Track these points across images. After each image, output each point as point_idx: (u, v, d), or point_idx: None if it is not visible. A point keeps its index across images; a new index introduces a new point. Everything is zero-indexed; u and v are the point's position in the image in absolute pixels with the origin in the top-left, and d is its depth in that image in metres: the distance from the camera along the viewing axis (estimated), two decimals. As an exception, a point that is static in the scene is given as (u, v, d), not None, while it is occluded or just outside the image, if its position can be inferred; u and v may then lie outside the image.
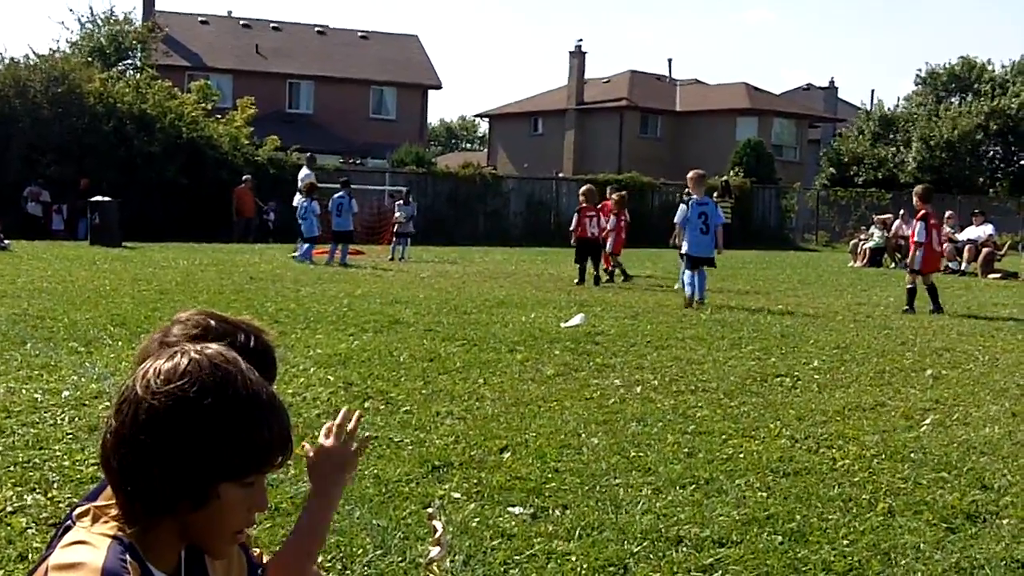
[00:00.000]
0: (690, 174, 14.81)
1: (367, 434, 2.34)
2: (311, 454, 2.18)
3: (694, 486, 4.94)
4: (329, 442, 2.19)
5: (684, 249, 14.10)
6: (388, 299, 12.82)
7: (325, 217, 20.69)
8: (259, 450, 1.67)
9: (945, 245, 24.40)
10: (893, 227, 26.33)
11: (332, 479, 2.17)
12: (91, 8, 39.40)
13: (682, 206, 14.41)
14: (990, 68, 51.03)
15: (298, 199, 20.78)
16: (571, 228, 17.44)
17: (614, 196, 18.84)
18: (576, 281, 16.64)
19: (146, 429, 1.61)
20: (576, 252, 17.13)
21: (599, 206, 17.91)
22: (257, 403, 1.67)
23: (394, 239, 22.59)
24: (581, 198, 17.60)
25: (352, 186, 21.92)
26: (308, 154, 25.15)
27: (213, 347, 1.72)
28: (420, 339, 9.44)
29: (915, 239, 14.24)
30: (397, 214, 22.86)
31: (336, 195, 20.51)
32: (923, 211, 14.15)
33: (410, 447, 5.52)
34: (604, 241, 17.56)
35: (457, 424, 6.11)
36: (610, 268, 17.77)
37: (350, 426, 2.21)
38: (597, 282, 16.68)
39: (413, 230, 23.10)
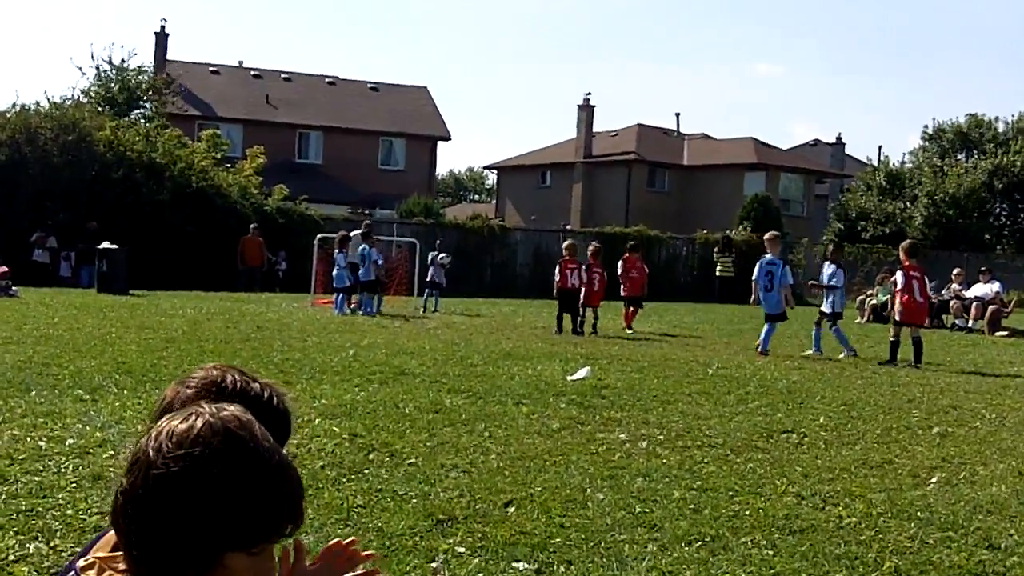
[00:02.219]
0: (767, 235, 16.08)
1: (371, 568, 2.12)
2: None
3: (699, 543, 4.90)
4: (327, 563, 2.02)
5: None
6: (394, 350, 12.81)
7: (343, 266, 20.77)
8: (267, 520, 1.64)
9: (952, 302, 24.45)
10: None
11: None
12: (110, 57, 39.38)
13: (757, 265, 15.53)
14: (995, 125, 51.30)
15: (338, 254, 20.73)
16: (555, 279, 17.93)
17: (590, 248, 19.30)
18: (554, 331, 17.03)
19: (154, 492, 1.60)
20: (558, 303, 17.66)
21: (623, 259, 19.16)
22: (268, 472, 1.65)
23: (426, 290, 22.46)
24: (565, 252, 18.10)
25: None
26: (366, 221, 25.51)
27: (230, 410, 1.70)
28: (426, 391, 9.42)
29: (896, 289, 14.71)
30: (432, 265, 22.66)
31: (361, 247, 20.62)
32: (907, 264, 14.67)
33: (414, 500, 5.50)
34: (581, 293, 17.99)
35: (462, 477, 6.08)
36: (582, 319, 17.76)
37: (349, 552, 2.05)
38: (579, 333, 17.15)
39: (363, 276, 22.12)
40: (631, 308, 18.78)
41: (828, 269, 16.06)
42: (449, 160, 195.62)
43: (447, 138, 52.83)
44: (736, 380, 11.23)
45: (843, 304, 15.94)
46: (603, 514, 5.36)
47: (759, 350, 14.58)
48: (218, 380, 2.01)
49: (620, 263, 19.34)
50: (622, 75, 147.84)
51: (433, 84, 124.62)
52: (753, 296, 15.62)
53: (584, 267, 18.06)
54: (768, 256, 15.32)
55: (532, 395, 9.39)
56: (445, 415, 8.18)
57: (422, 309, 21.51)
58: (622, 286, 19.08)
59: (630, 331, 17.98)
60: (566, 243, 18.61)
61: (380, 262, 20.87)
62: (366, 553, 2.10)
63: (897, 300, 14.54)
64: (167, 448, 1.61)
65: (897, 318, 14.47)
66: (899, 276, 14.63)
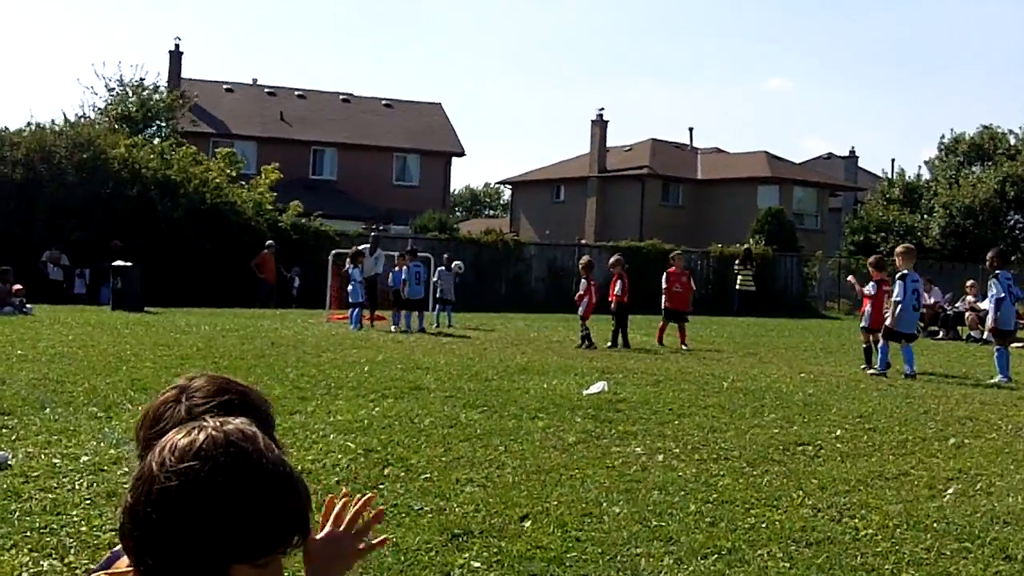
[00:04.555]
0: (900, 249, 14.94)
1: (381, 537, 2.15)
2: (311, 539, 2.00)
3: (716, 556, 4.87)
4: (333, 529, 2.06)
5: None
6: (409, 365, 12.81)
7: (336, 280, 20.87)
8: (273, 532, 1.63)
9: (968, 314, 24.34)
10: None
11: (330, 570, 2.02)
12: (120, 75, 39.52)
13: (905, 281, 14.33)
14: (1007, 138, 51.20)
15: (353, 269, 20.87)
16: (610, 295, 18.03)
17: (581, 261, 19.22)
18: (608, 344, 17.24)
19: (159, 507, 1.59)
20: (616, 317, 17.70)
21: (668, 271, 19.04)
22: (272, 484, 1.64)
23: (437, 306, 22.48)
24: (612, 267, 18.31)
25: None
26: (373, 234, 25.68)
27: (234, 423, 1.69)
28: (441, 405, 9.42)
29: (867, 296, 14.68)
30: (434, 279, 22.70)
31: (412, 264, 20.77)
32: (877, 278, 14.62)
33: (430, 515, 5.48)
34: (577, 306, 18.07)
35: (477, 492, 6.06)
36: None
37: (352, 513, 2.07)
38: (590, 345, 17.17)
39: (450, 297, 22.50)
40: (673, 323, 18.29)
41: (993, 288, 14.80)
42: (465, 175, 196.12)
43: (461, 154, 52.97)
44: (752, 393, 11.18)
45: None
46: (619, 527, 5.34)
47: (907, 373, 13.72)
48: (216, 391, 2.00)
49: (664, 276, 19.04)
50: (635, 90, 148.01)
51: (447, 100, 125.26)
52: (890, 319, 14.33)
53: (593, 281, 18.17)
54: (911, 272, 14.33)
55: (548, 409, 9.37)
56: (460, 429, 8.16)
57: (435, 324, 21.52)
58: (665, 299, 18.68)
59: (685, 347, 17.48)
60: (613, 259, 18.66)
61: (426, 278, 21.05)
62: (373, 514, 2.10)
63: (866, 308, 14.66)
64: (170, 463, 1.61)
65: (865, 323, 14.71)
66: (870, 284, 14.65)
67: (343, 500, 2.11)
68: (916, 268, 14.85)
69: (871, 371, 14.10)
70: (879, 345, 14.33)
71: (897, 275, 14.27)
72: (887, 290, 14.50)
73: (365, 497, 2.12)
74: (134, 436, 1.96)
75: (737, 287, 34.14)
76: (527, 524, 5.37)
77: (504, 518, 5.47)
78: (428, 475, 6.46)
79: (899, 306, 14.00)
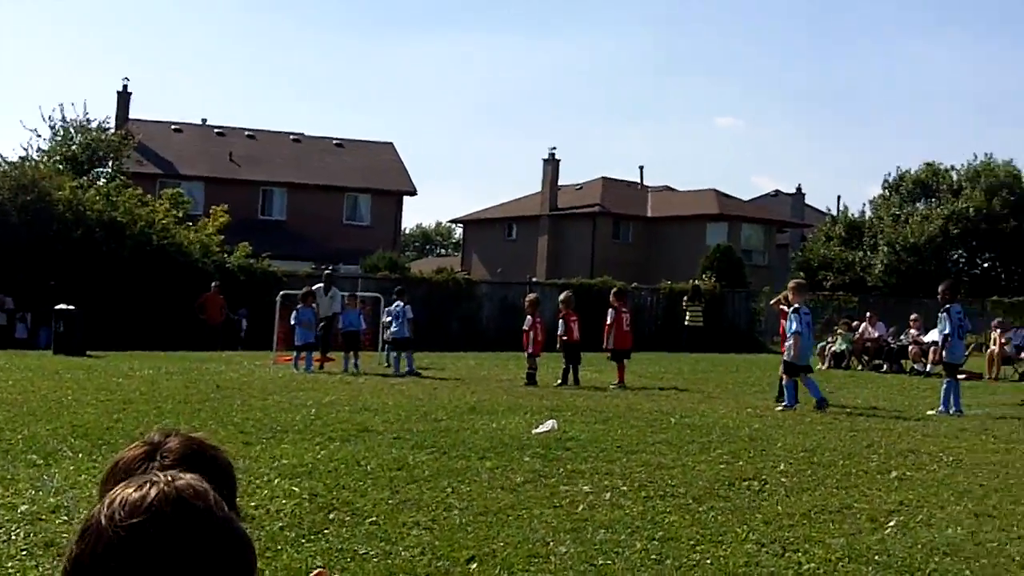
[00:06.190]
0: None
1: None
2: None
3: (661, 595, 4.89)
4: None
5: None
6: (357, 407, 12.73)
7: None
8: None
9: (911, 347, 24.73)
10: (860, 329, 26.57)
11: None
12: (63, 115, 39.00)
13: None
14: (950, 174, 52.23)
15: (303, 309, 20.83)
16: (560, 333, 18.07)
17: (528, 299, 19.12)
18: (558, 383, 17.31)
19: (105, 560, 1.58)
20: (565, 356, 17.86)
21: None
22: (220, 542, 1.64)
23: (386, 345, 22.25)
24: (562, 305, 18.45)
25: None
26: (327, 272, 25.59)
27: (185, 479, 1.68)
28: (388, 447, 9.37)
29: (793, 331, 14.25)
30: (385, 319, 22.34)
31: (394, 304, 20.81)
32: (796, 304, 14.39)
33: (375, 559, 5.45)
34: (525, 344, 18.14)
35: (424, 534, 6.03)
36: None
37: None
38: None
39: (396, 334, 21.07)
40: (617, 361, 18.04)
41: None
42: (417, 214, 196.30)
43: (413, 193, 52.97)
44: (699, 429, 11.24)
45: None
46: (565, 568, 5.34)
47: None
48: (180, 450, 2.00)
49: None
50: (586, 129, 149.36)
51: (399, 140, 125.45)
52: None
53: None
54: (802, 305, 14.46)
55: (496, 449, 9.36)
56: (408, 472, 8.12)
57: (386, 364, 21.36)
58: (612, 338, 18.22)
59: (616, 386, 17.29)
60: (562, 296, 18.86)
61: (411, 317, 20.94)
62: None
63: (793, 340, 14.21)
64: (119, 516, 1.60)
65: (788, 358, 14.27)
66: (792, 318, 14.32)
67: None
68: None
69: (779, 407, 14.05)
70: (784, 383, 14.35)
71: (791, 309, 14.35)
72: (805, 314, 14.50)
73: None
74: (99, 488, 1.93)
75: (686, 323, 34.41)
76: (473, 566, 5.36)
77: (450, 561, 5.45)
78: (374, 518, 6.42)
79: (799, 338, 14.10)
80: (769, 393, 15.64)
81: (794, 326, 14.16)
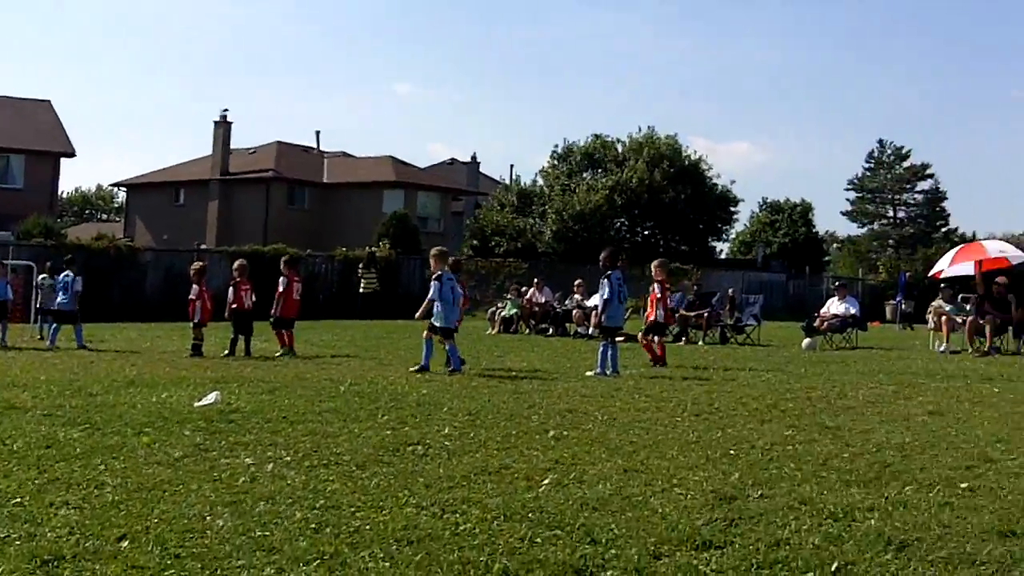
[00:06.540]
0: (432, 251, 15.40)
1: None
2: None
3: (318, 562, 4.89)
4: None
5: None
6: (5, 382, 11.86)
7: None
8: None
9: (575, 311, 26.13)
10: (528, 295, 27.74)
11: None
12: None
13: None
14: (616, 146, 55.37)
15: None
16: (229, 302, 17.56)
17: (193, 267, 18.40)
18: (226, 353, 16.97)
19: None
20: (234, 325, 17.48)
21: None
22: None
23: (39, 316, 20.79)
24: (235, 272, 17.83)
25: None
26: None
27: None
28: (37, 425, 8.83)
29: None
30: (46, 288, 20.84)
31: (63, 274, 19.45)
32: (437, 271, 14.97)
33: (18, 542, 5.12)
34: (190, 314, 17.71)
35: (72, 514, 5.73)
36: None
37: None
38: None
39: (63, 306, 19.73)
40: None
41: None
42: (76, 178, 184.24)
43: (72, 154, 49.74)
44: (368, 396, 11.33)
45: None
46: (222, 541, 5.22)
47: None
48: None
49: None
50: (261, 91, 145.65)
51: (57, 98, 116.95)
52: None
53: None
54: (445, 272, 14.88)
55: (155, 423, 9.01)
56: (58, 450, 7.67)
57: (39, 336, 20.01)
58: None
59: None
60: (238, 263, 18.14)
61: (80, 289, 19.50)
62: None
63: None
64: None
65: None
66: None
67: None
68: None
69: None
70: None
71: (434, 276, 14.92)
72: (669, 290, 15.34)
73: None
74: None
75: (360, 290, 34.56)
76: (124, 544, 5.14)
77: (101, 540, 5.20)
78: (18, 500, 6.03)
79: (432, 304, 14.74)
80: (439, 357, 15.98)
81: (431, 292, 14.76)
